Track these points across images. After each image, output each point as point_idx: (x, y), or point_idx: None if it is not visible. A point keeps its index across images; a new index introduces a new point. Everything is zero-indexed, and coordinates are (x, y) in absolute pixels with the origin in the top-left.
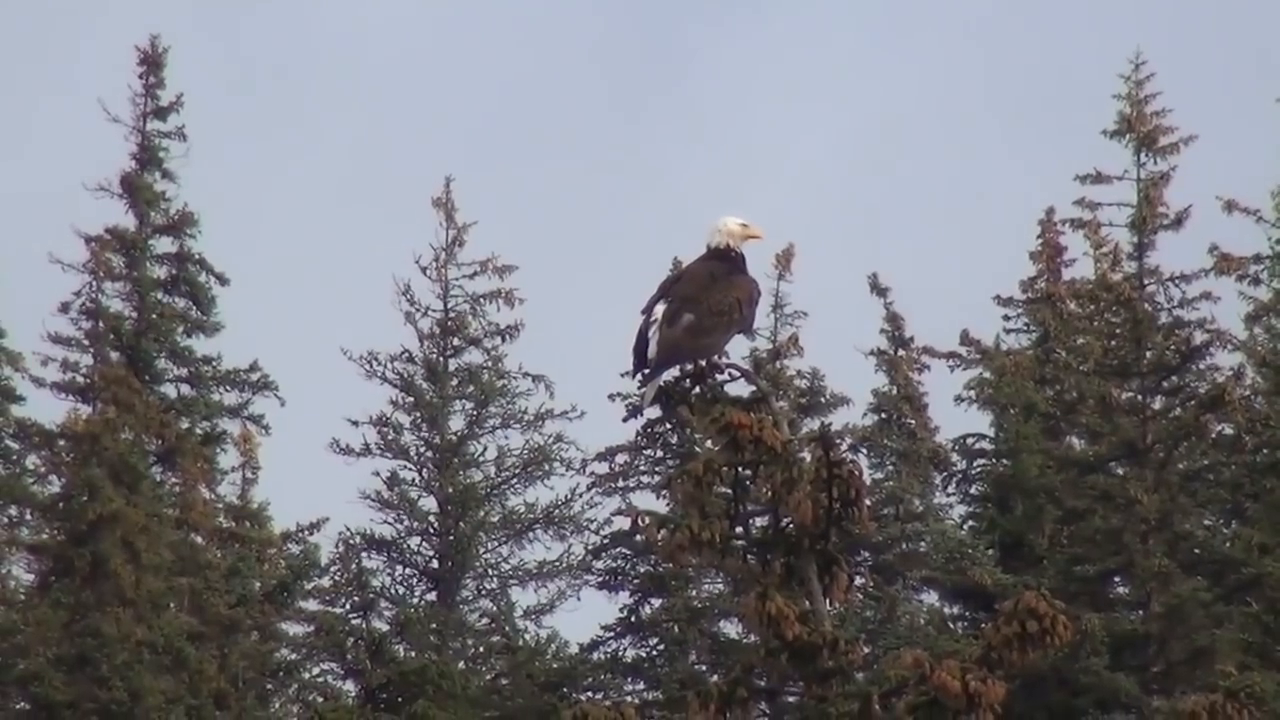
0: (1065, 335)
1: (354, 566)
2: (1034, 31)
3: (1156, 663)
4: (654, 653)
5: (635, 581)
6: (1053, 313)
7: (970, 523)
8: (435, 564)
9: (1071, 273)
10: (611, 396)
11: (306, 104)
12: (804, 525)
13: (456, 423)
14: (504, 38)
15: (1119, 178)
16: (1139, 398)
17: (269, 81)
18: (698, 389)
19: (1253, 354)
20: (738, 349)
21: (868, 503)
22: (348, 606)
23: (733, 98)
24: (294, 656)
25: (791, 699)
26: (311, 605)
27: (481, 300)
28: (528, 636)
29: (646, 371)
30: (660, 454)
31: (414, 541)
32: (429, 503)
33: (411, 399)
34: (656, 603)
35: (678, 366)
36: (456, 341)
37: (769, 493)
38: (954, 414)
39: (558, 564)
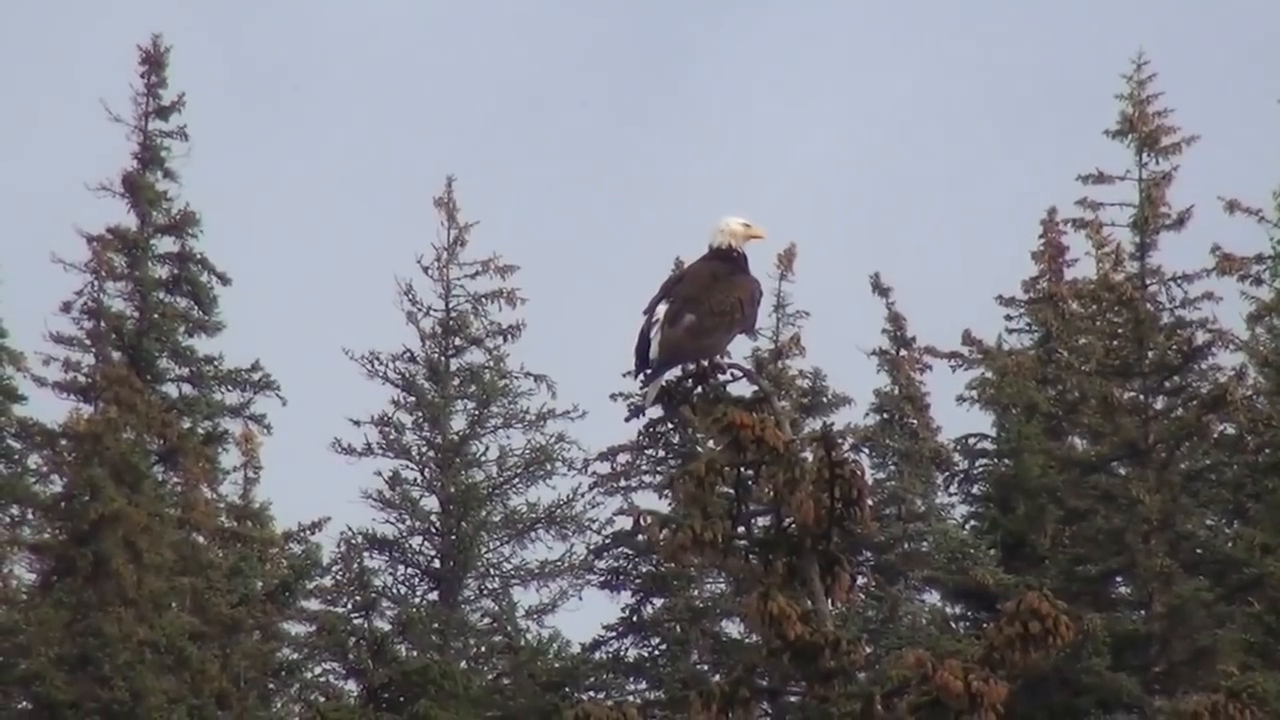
0: (1067, 335)
1: (356, 566)
2: (1036, 31)
3: (1158, 663)
4: (656, 653)
5: (637, 581)
6: (1055, 313)
7: (972, 523)
8: (437, 564)
9: (1073, 273)
10: (613, 396)
11: (308, 104)
12: (806, 525)
13: (458, 422)
14: (505, 37)
15: (1121, 178)
16: (1141, 398)
17: (271, 81)
18: (700, 389)
19: (1255, 354)
20: (740, 349)
21: (870, 503)
22: (349, 606)
23: (735, 98)
24: (296, 656)
25: (794, 699)
26: (313, 605)
27: (483, 300)
28: (530, 636)
29: (649, 372)
30: (662, 454)
31: (416, 541)
32: (431, 502)
33: (413, 399)
34: (658, 602)
35: (680, 367)
36: (458, 341)
37: (771, 493)
38: (956, 414)
39: (560, 564)
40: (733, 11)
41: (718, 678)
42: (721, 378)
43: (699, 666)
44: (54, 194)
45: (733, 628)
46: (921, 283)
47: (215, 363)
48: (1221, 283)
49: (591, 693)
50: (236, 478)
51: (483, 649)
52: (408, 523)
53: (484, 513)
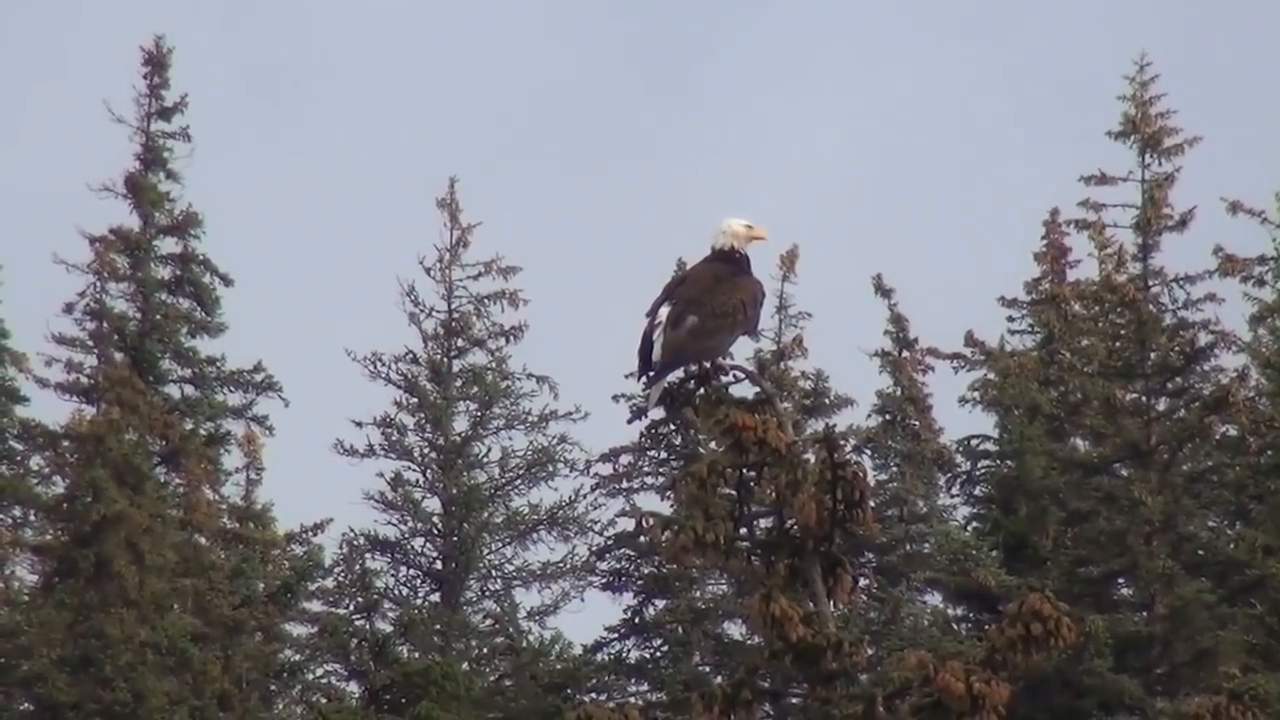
0: (1069, 336)
1: (358, 567)
2: (1037, 33)
3: (1160, 664)
4: (658, 654)
5: (639, 583)
6: (1057, 314)
7: (974, 524)
8: (439, 565)
9: (1076, 274)
10: (615, 398)
11: (310, 104)
12: (808, 527)
13: (460, 424)
14: (507, 38)
15: (1124, 179)
16: (1143, 399)
17: (273, 81)
18: (702, 391)
19: (1257, 355)
20: (742, 350)
21: (872, 504)
22: (351, 607)
23: (737, 99)
24: (298, 657)
25: (795, 701)
26: (315, 606)
27: (485, 301)
28: (531, 638)
29: (651, 374)
30: (664, 455)
31: (418, 542)
32: (433, 504)
33: (415, 400)
34: (660, 604)
35: (682, 368)
36: (460, 342)
37: (773, 494)
38: (958, 415)
39: (561, 565)
40: (735, 13)
41: (720, 679)
42: (724, 379)
43: (701, 668)
44: (56, 195)
45: (735, 629)
46: (924, 284)
47: (217, 364)
48: (1224, 284)
49: (593, 694)
50: (239, 479)
51: (484, 650)
52: (410, 524)
53: (486, 514)
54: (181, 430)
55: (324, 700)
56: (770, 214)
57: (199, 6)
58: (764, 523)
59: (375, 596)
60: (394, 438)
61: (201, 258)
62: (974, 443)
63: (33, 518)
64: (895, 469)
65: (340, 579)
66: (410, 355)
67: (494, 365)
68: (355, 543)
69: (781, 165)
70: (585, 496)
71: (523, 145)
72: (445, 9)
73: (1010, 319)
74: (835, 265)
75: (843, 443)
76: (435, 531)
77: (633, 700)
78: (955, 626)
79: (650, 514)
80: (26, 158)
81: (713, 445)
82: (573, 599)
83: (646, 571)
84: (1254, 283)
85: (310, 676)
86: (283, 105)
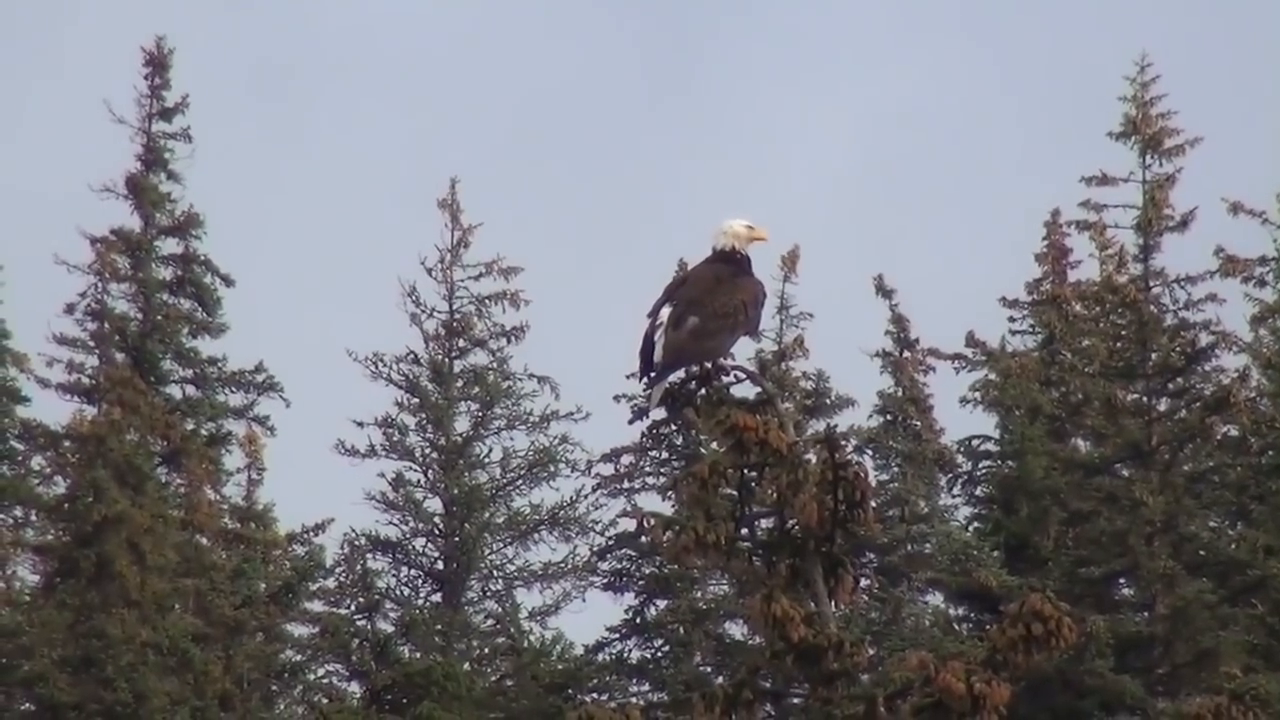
0: (1070, 337)
1: (359, 568)
2: (1039, 34)
3: (1161, 665)
4: (659, 654)
5: (640, 583)
6: (1058, 314)
7: (975, 524)
8: (440, 565)
9: (1077, 274)
10: (617, 398)
11: (311, 105)
12: (809, 527)
13: (462, 424)
14: (507, 38)
15: (1124, 180)
16: (1144, 399)
17: (273, 82)
18: (703, 391)
19: (1258, 356)
20: (743, 351)
21: (873, 504)
22: (353, 608)
23: (738, 100)
24: (299, 658)
25: (797, 701)
26: (317, 606)
27: (487, 301)
28: (533, 638)
29: (653, 374)
30: (666, 456)
31: (419, 543)
32: (434, 504)
33: (417, 400)
34: (662, 604)
35: (683, 369)
36: (462, 343)
37: (774, 494)
38: (959, 416)
39: (563, 565)
40: (736, 13)
41: (721, 680)
42: (725, 380)
43: (702, 668)
44: (57, 195)
45: (736, 630)
46: (925, 284)
47: (219, 364)
48: (1225, 285)
49: (594, 694)
50: (240, 479)
51: (486, 650)
52: (411, 524)
53: (487, 514)
54: (183, 431)
55: (325, 701)
56: (771, 214)
57: (200, 6)
58: (765, 523)
59: (376, 597)
60: (395, 438)
61: (202, 258)
62: (975, 443)
63: (34, 518)
64: (896, 469)
65: (342, 579)
66: (411, 355)
67: (495, 365)
68: (356, 543)
69: (782, 166)
70: (586, 497)
71: (524, 145)
72: (446, 9)
73: (1011, 319)
74: (836, 266)
75: (844, 443)
76: (436, 532)
77: (634, 700)
78: (956, 627)
79: (652, 514)
80: (27, 158)
81: (714, 446)
82: (574, 599)
83: (648, 572)
84: (1255, 283)
85: (312, 677)
86: (284, 105)
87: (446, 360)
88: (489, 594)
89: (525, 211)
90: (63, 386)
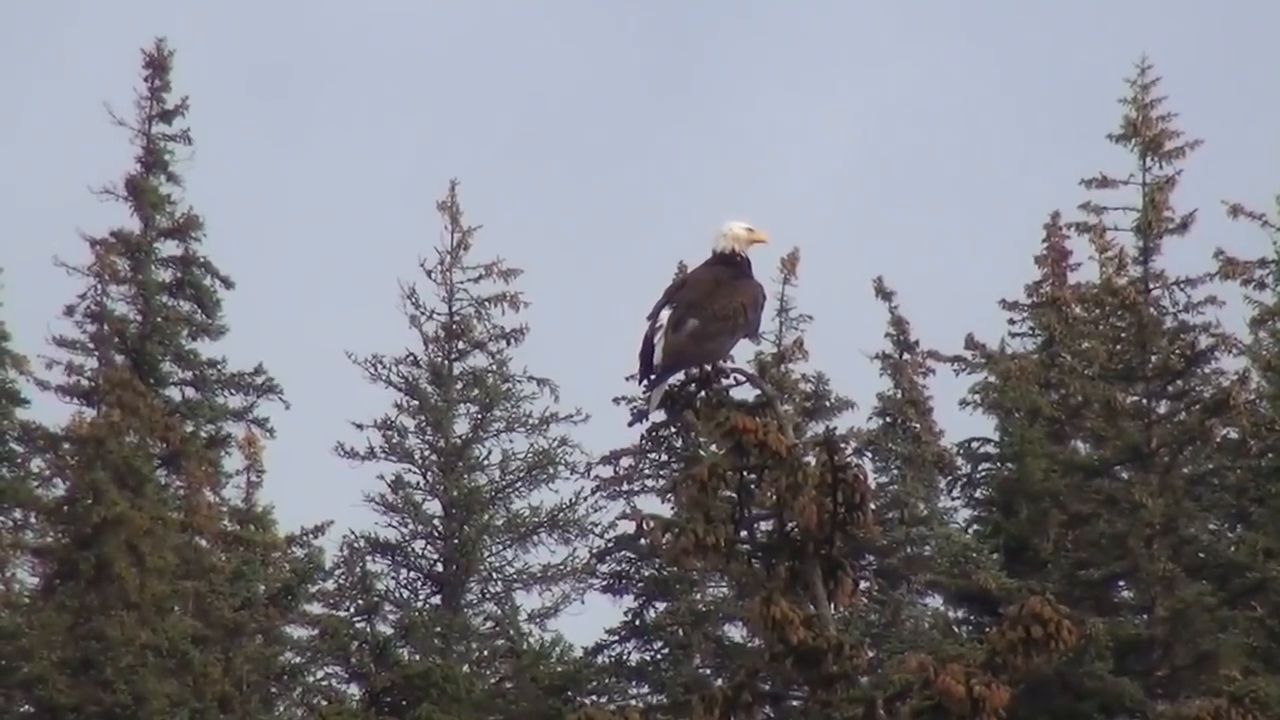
0: (1070, 339)
1: (358, 570)
2: (1040, 36)
3: (1161, 667)
4: (658, 657)
5: (640, 585)
6: (1058, 317)
7: (975, 527)
8: (440, 567)
9: (1077, 277)
10: (616, 400)
11: (311, 107)
12: (809, 529)
13: (461, 426)
14: (506, 39)
15: (1124, 182)
16: (1144, 402)
17: (273, 84)
18: (703, 394)
19: (1258, 358)
20: (743, 353)
21: (872, 507)
22: (352, 610)
23: (738, 102)
24: (298, 660)
25: (796, 703)
26: (316, 609)
27: (486, 303)
28: (532, 640)
29: (652, 377)
30: (665, 458)
31: (418, 545)
32: (433, 506)
33: (416, 402)
34: (661, 606)
35: (683, 371)
36: (461, 345)
37: (774, 497)
38: (959, 418)
39: (562, 567)
40: (737, 14)
41: (720, 682)
42: (724, 382)
43: (701, 671)
44: (57, 197)
45: (735, 632)
46: (925, 287)
47: (218, 366)
48: (1224, 287)
49: (594, 697)
50: (239, 481)
51: (485, 653)
52: (410, 526)
53: (486, 516)
54: (182, 433)
55: (325, 703)
56: (770, 216)
57: (200, 8)
58: (765, 525)
59: (376, 599)
60: (395, 440)
61: (202, 260)
62: (975, 445)
63: (33, 520)
64: (896, 472)
65: (341, 581)
66: (411, 358)
67: (495, 368)
68: (356, 545)
69: (782, 167)
70: (586, 499)
71: (523, 146)
72: (446, 10)
73: (1011, 322)
74: (836, 267)
75: (843, 445)
76: (436, 534)
77: (633, 703)
78: (956, 629)
79: (651, 516)
80: (27, 160)
81: (713, 448)
82: (573, 601)
83: (647, 574)
84: (1254, 286)
85: (311, 679)
86: (284, 107)
87: (446, 362)
88: (488, 596)
89: (525, 213)
90: (62, 389)
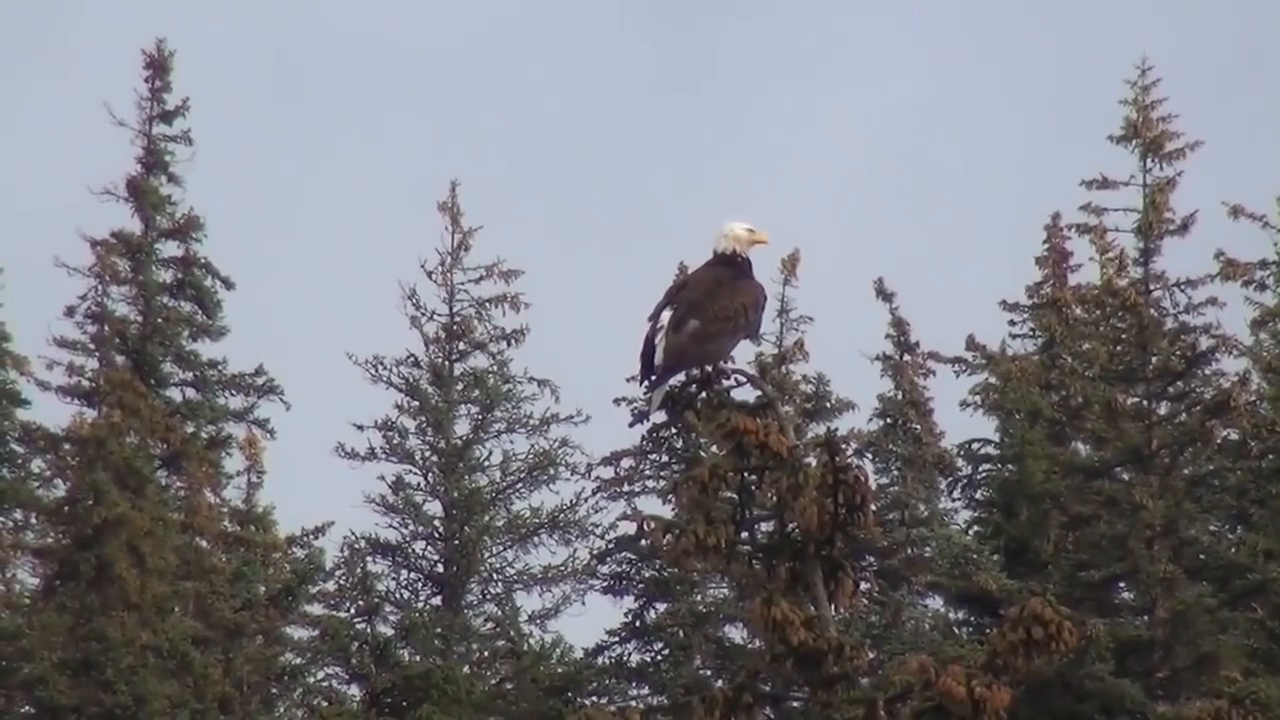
0: (1071, 340)
1: (359, 571)
2: (1040, 37)
3: (1162, 669)
4: (659, 658)
5: (640, 586)
6: (1058, 318)
7: (975, 528)
8: (440, 568)
9: (1077, 278)
10: (617, 401)
11: (312, 107)
12: (809, 530)
13: (462, 427)
14: (511, 39)
15: (1125, 183)
16: (1144, 403)
17: (274, 84)
18: (703, 394)
19: (1258, 359)
20: (743, 354)
21: (873, 508)
22: (352, 611)
23: (740, 102)
24: (299, 661)
25: (796, 704)
26: (316, 609)
27: (487, 304)
28: (532, 641)
29: (653, 378)
30: (666, 459)
31: (419, 546)
32: (434, 507)
33: (417, 403)
34: (661, 607)
35: (684, 372)
36: (462, 346)
37: (774, 498)
38: (959, 419)
39: (563, 568)
40: (741, 15)
41: (721, 683)
42: (725, 383)
43: (702, 672)
44: (57, 198)
45: (736, 633)
46: (925, 288)
47: (219, 367)
48: (1225, 288)
49: (594, 698)
50: (240, 482)
51: (485, 654)
52: (411, 527)
53: (487, 517)
54: (183, 433)
55: (325, 704)
56: (771, 217)
57: (200, 9)
58: (765, 526)
59: (376, 600)
60: (395, 441)
61: (203, 261)
62: (975, 447)
63: (34, 521)
64: (896, 473)
65: (341, 582)
66: (411, 358)
67: (495, 368)
68: (356, 546)
69: (783, 168)
70: (586, 500)
71: (525, 147)
72: (447, 11)
73: (1011, 323)
74: (837, 269)
75: (844, 446)
76: (436, 535)
77: (634, 704)
78: (956, 630)
79: (652, 517)
80: (28, 160)
81: (714, 449)
82: (574, 602)
83: (648, 575)
84: (1255, 287)
85: (311, 680)
86: (285, 108)
87: (446, 363)
88: (489, 597)
89: (526, 213)
90: (63, 389)
